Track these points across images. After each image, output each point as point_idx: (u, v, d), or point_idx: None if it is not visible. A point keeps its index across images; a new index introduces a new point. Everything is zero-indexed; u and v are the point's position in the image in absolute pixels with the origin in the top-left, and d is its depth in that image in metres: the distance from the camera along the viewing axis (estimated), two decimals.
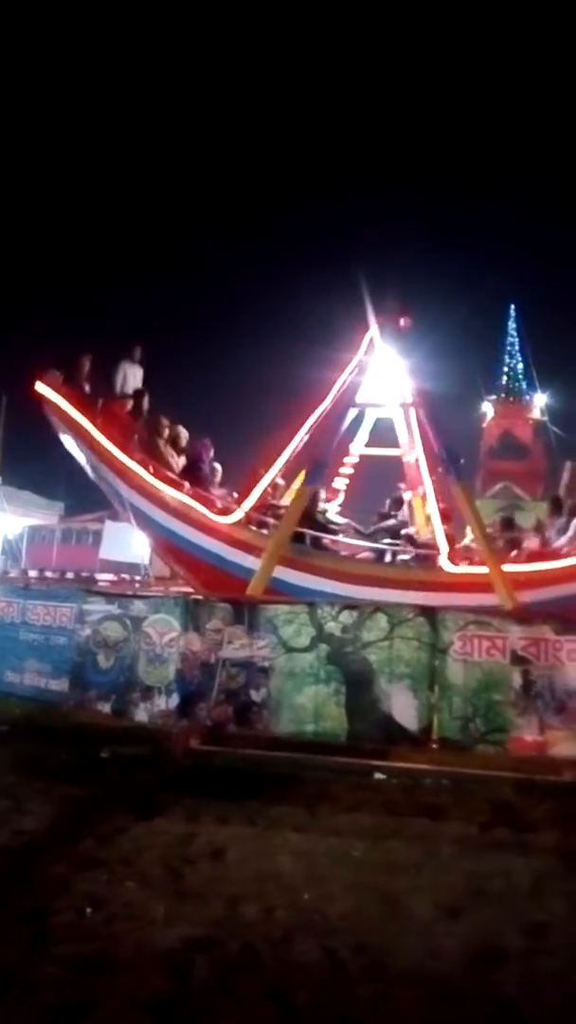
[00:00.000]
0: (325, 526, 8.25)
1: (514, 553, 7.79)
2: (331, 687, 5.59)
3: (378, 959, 2.95)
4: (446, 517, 8.33)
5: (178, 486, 7.99)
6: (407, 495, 9.08)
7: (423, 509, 8.67)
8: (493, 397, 56.02)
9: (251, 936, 3.09)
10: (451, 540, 7.99)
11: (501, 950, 3.07)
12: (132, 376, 8.69)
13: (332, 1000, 2.68)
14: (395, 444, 9.47)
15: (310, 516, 7.99)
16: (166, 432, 8.51)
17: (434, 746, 5.42)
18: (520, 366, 56.58)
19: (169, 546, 8.14)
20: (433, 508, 8.21)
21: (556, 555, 7.56)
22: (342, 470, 9.67)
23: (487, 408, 55.48)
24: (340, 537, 8.39)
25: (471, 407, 53.35)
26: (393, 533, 8.33)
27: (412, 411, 8.64)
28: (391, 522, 8.55)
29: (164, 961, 2.88)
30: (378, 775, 5.50)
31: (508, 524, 8.80)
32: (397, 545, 8.11)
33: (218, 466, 8.75)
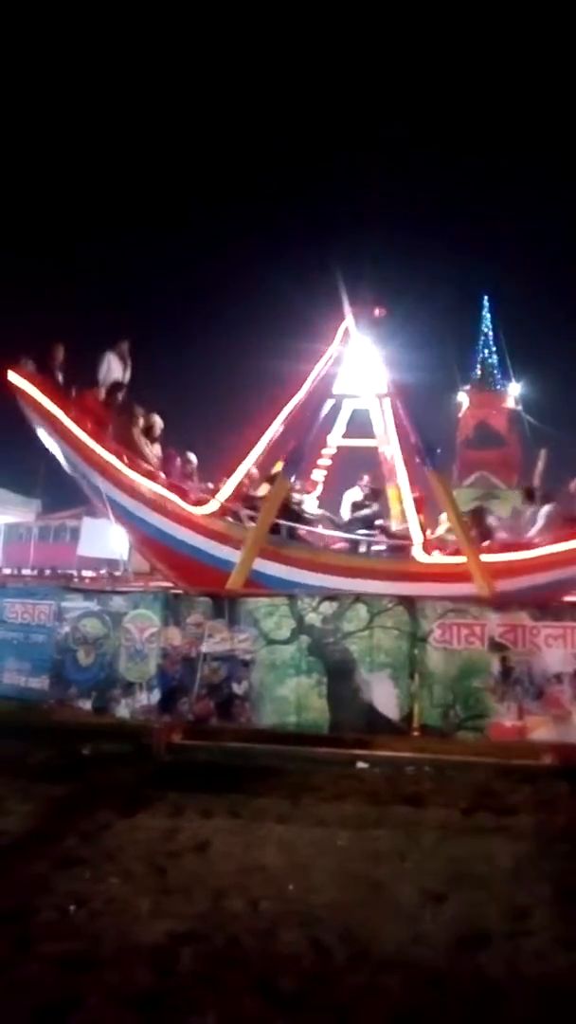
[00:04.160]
0: (300, 516, 8.23)
1: (486, 543, 7.84)
2: (312, 678, 5.59)
3: (363, 947, 2.96)
4: (419, 507, 8.34)
5: (153, 477, 7.88)
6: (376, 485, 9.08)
7: (398, 500, 8.68)
8: (468, 387, 56.39)
9: (236, 928, 3.09)
10: (424, 531, 8.01)
11: (485, 933, 3.10)
12: (115, 369, 8.52)
13: (318, 989, 2.69)
14: (371, 435, 9.48)
15: (285, 507, 7.94)
16: (140, 421, 8.34)
17: (415, 734, 5.45)
18: (494, 356, 56.99)
19: (145, 538, 8.06)
20: (407, 499, 8.22)
21: (528, 545, 7.63)
22: (320, 462, 9.66)
23: (462, 398, 55.87)
24: (317, 528, 8.37)
25: (447, 397, 53.72)
26: (368, 523, 8.32)
27: (388, 402, 8.64)
28: (365, 512, 8.53)
29: (149, 956, 2.86)
30: (360, 764, 5.52)
31: (479, 516, 8.84)
32: (372, 535, 8.11)
33: (193, 457, 8.67)
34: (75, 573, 21.99)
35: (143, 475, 7.86)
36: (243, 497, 8.16)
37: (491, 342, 57.14)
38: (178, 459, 8.59)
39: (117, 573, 17.27)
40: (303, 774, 5.26)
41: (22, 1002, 2.57)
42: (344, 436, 9.60)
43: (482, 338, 57.42)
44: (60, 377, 8.26)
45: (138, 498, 7.77)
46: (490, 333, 57.25)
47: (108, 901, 3.32)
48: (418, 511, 8.18)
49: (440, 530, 8.56)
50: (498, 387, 56.03)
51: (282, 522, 7.67)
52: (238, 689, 5.72)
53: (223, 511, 7.76)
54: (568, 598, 7.86)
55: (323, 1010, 2.57)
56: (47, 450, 8.41)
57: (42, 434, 8.20)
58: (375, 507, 8.65)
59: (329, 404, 8.68)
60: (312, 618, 5.67)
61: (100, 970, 2.77)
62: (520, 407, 51.24)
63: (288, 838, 4.12)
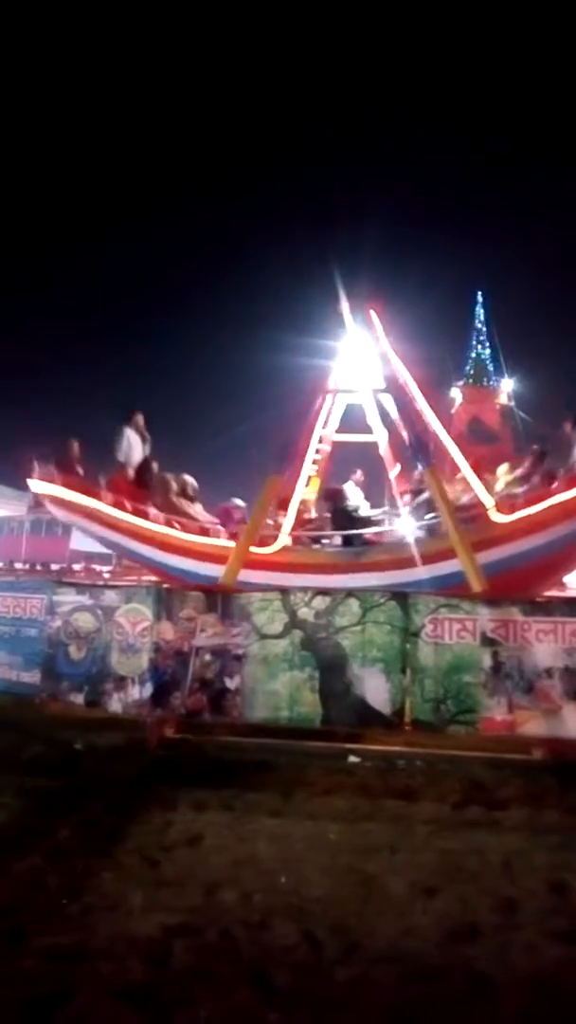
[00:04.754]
0: (366, 522, 8.22)
1: (555, 484, 7.73)
2: (305, 673, 5.61)
3: (356, 940, 2.98)
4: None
5: (209, 533, 7.96)
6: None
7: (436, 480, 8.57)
8: (461, 383, 56.52)
9: (229, 921, 3.10)
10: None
11: (475, 927, 3.13)
12: (135, 444, 8.67)
13: (311, 982, 2.70)
14: (363, 430, 9.42)
15: (348, 516, 7.95)
16: (174, 486, 8.52)
17: (407, 728, 5.47)
18: (487, 352, 57.17)
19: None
20: (465, 467, 8.09)
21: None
22: (314, 456, 9.61)
23: (456, 394, 55.97)
24: (385, 527, 8.30)
25: (440, 393, 53.85)
26: (433, 505, 8.22)
27: (378, 397, 8.61)
28: (426, 495, 8.41)
29: (142, 949, 2.87)
30: (352, 758, 5.55)
31: (542, 457, 8.46)
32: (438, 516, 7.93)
33: (240, 502, 8.72)
34: (64, 567, 21.92)
35: (200, 534, 7.89)
36: (305, 522, 8.19)
37: (484, 338, 57.33)
38: (231, 509, 8.69)
39: (96, 567, 17.33)
40: (295, 768, 5.27)
41: (15, 994, 2.58)
42: (337, 431, 9.55)
43: (475, 334, 57.61)
44: (80, 471, 8.51)
45: (204, 558, 7.69)
46: (483, 329, 57.44)
47: (101, 895, 3.33)
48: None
49: (499, 486, 8.43)
50: (491, 383, 56.22)
51: (350, 532, 7.69)
52: (230, 683, 5.73)
53: (294, 541, 7.75)
54: (559, 593, 7.89)
55: (315, 1003, 2.59)
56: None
57: (83, 527, 8.28)
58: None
59: (323, 398, 8.64)
60: (305, 613, 5.68)
61: (93, 963, 2.78)
62: (513, 403, 51.42)
63: (280, 832, 4.14)
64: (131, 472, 8.48)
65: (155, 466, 8.56)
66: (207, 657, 5.79)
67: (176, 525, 7.97)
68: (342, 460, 9.86)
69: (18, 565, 23.80)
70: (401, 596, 5.66)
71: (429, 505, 8.09)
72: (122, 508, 8.05)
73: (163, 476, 8.55)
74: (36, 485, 8.32)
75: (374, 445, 9.51)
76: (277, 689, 5.63)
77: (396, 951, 2.91)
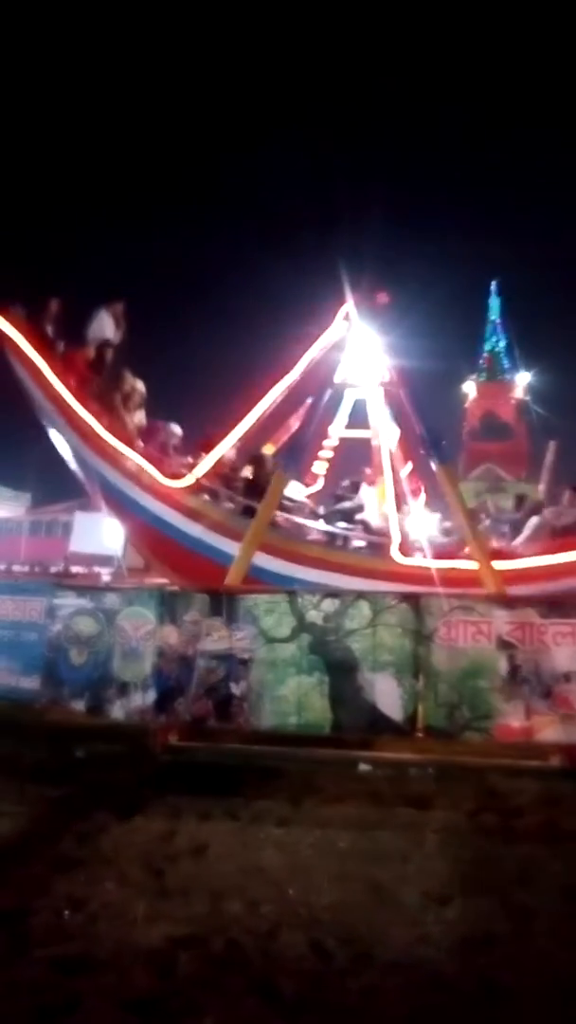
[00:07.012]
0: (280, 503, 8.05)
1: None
2: (314, 677, 5.50)
3: (366, 949, 2.90)
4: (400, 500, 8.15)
5: (129, 443, 7.74)
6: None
7: (383, 496, 8.29)
8: (475, 377, 55.28)
9: (236, 931, 3.02)
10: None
11: (489, 935, 3.04)
12: (107, 327, 8.35)
13: (320, 992, 2.62)
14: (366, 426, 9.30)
15: (261, 491, 7.60)
16: (126, 386, 8.19)
17: (419, 735, 5.36)
18: (502, 345, 55.77)
19: (113, 503, 7.91)
20: (390, 496, 7.94)
21: (512, 555, 7.39)
22: (321, 454, 9.52)
23: (469, 388, 54.83)
24: (296, 516, 8.14)
25: (453, 387, 52.94)
26: (348, 516, 8.12)
27: (386, 392, 8.46)
28: (346, 505, 8.29)
29: (147, 959, 2.80)
30: (363, 766, 5.44)
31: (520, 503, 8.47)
32: (351, 529, 7.88)
33: (177, 429, 8.45)
34: (60, 569, 21.73)
35: (120, 440, 7.69)
36: (223, 477, 7.92)
37: (499, 330, 56.08)
38: (162, 430, 8.38)
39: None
40: (304, 775, 5.17)
41: (20, 1004, 2.52)
42: (347, 427, 9.40)
43: (490, 326, 56.37)
44: (51, 331, 8.13)
45: (111, 462, 7.60)
46: (498, 321, 56.21)
47: (105, 904, 3.25)
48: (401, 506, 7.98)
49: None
50: (506, 377, 54.87)
51: (256, 505, 7.33)
52: (236, 689, 5.63)
53: (198, 487, 7.56)
54: None
55: (325, 1013, 2.51)
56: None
57: (22, 382, 8.04)
58: (357, 500, 8.43)
59: (330, 393, 8.52)
60: (313, 616, 5.58)
61: (98, 973, 2.71)
62: (528, 397, 50.48)
63: (288, 840, 4.05)
64: (91, 352, 8.19)
65: (108, 356, 8.23)
66: (212, 662, 5.69)
67: (104, 420, 7.72)
68: (344, 456, 9.77)
69: (16, 567, 23.67)
70: (413, 598, 5.57)
71: (345, 514, 8.04)
72: (64, 382, 7.77)
73: (122, 372, 8.23)
74: None
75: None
76: (285, 694, 5.53)
77: (408, 960, 2.82)
